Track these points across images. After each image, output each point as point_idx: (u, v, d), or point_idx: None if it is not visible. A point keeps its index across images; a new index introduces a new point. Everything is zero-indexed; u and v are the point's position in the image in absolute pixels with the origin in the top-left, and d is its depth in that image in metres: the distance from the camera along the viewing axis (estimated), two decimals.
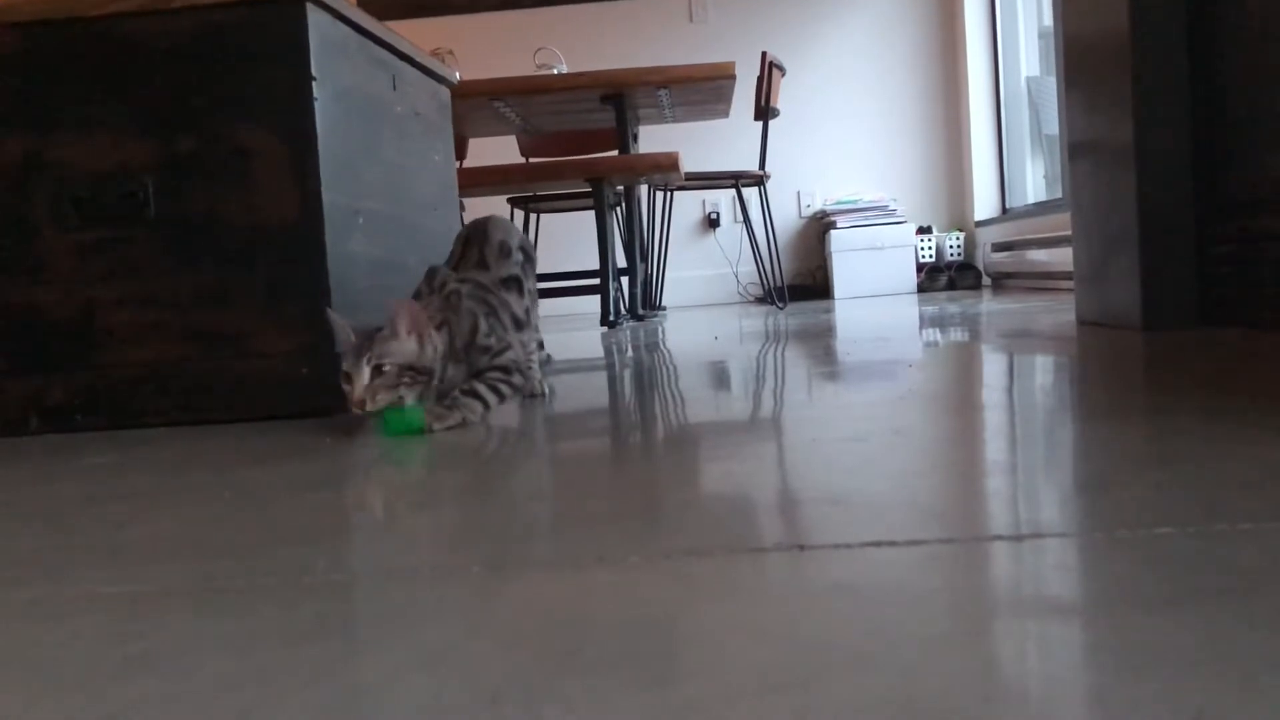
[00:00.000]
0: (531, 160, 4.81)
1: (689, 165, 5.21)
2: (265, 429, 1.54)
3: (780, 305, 4.69)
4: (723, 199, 5.83)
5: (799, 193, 5.86)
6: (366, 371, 1.32)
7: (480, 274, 1.55)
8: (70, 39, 1.65)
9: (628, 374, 2.06)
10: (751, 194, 5.37)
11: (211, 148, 1.64)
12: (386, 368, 1.33)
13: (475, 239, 1.59)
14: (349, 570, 0.72)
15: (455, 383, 1.44)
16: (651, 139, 5.41)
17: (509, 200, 4.63)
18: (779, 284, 4.76)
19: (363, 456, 1.25)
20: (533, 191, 4.27)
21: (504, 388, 1.45)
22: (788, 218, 5.84)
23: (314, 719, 0.46)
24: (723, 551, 0.69)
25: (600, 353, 2.69)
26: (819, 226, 5.72)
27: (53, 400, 1.66)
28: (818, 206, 5.80)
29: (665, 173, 3.72)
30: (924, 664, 0.47)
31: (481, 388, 1.43)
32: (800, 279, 5.80)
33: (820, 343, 2.46)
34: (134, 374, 1.65)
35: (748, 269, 5.76)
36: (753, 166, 5.49)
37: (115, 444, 1.49)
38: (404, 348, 1.35)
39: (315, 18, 1.64)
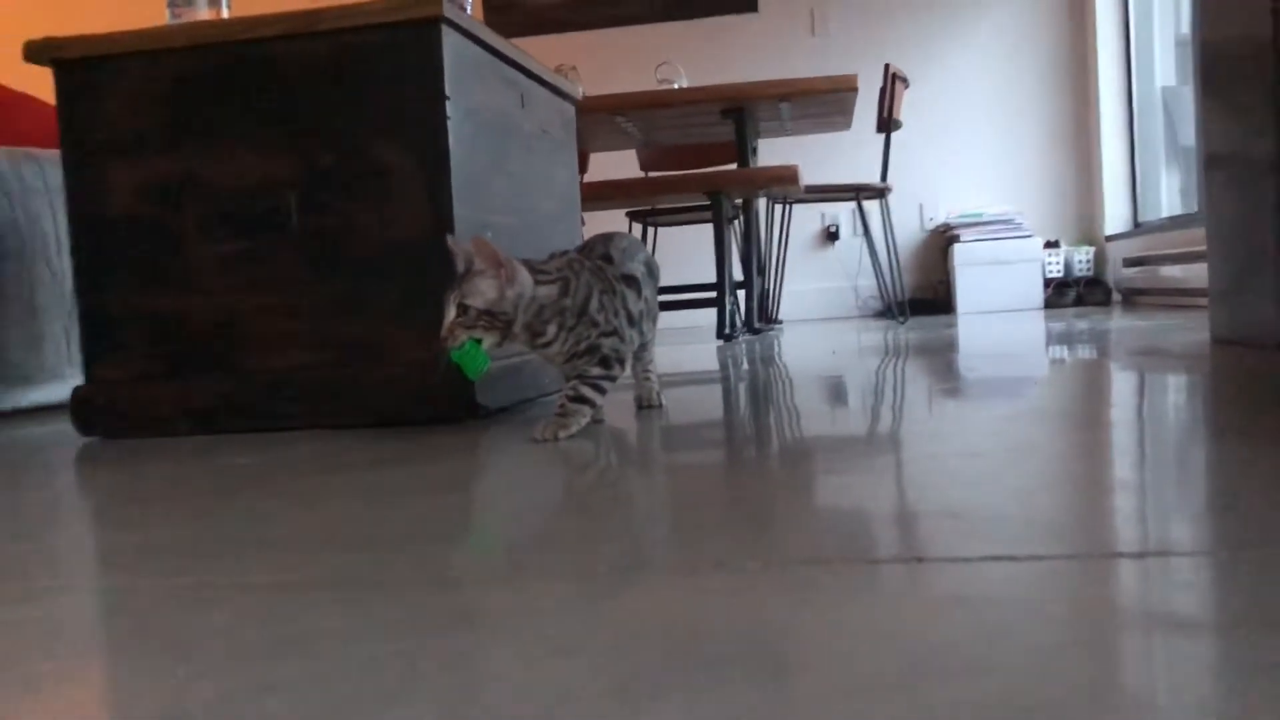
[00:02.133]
0: (651, 174, 4.87)
1: (808, 177, 5.20)
2: (396, 434, 1.60)
3: (901, 320, 4.63)
4: (842, 212, 5.79)
5: (921, 205, 5.78)
6: (452, 309, 1.36)
7: (603, 263, 1.56)
8: (219, 63, 1.75)
9: (743, 387, 2.08)
10: (872, 207, 5.33)
11: (350, 164, 1.72)
12: (469, 309, 1.36)
13: (600, 240, 1.61)
14: (481, 567, 0.76)
15: (560, 355, 1.46)
16: (770, 151, 5.41)
17: (628, 214, 4.69)
18: (900, 298, 4.71)
19: (489, 461, 1.30)
20: (652, 205, 4.32)
21: (605, 384, 1.48)
22: (910, 231, 5.76)
23: (451, 701, 0.49)
24: (840, 561, 0.70)
25: (715, 366, 2.71)
26: (942, 240, 5.63)
27: (199, 403, 1.76)
28: (941, 220, 5.71)
29: (785, 186, 3.72)
30: (1041, 673, 0.48)
31: (586, 390, 1.45)
32: (922, 293, 5.72)
33: (941, 358, 2.43)
34: (273, 379, 1.74)
35: (867, 283, 5.71)
36: (874, 179, 5.44)
37: (255, 445, 1.57)
38: (486, 289, 1.37)
39: (449, 39, 1.71)
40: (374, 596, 0.69)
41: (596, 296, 1.47)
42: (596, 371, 1.46)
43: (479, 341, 1.37)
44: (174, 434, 1.76)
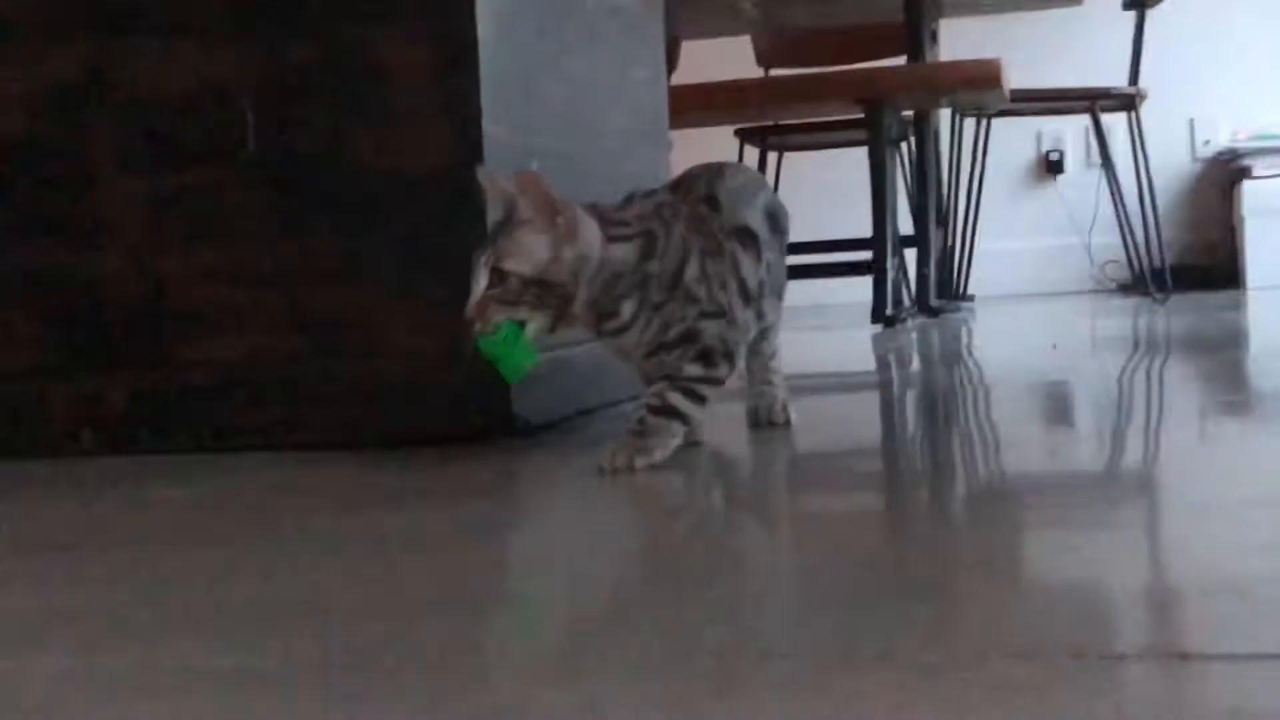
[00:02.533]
0: (775, 73, 4.86)
1: (1017, 79, 5.14)
2: (396, 459, 1.64)
3: (1159, 297, 4.57)
4: (1069, 131, 5.72)
5: (1193, 121, 5.69)
6: (484, 276, 1.34)
7: (706, 210, 1.53)
8: None
9: (912, 398, 2.08)
10: (1117, 123, 5.24)
11: (333, 61, 1.75)
12: (508, 276, 1.34)
13: (702, 175, 1.59)
14: (526, 655, 0.78)
15: (641, 346, 1.45)
16: (958, 39, 5.36)
17: (738, 133, 4.68)
18: (1157, 264, 4.64)
19: (533, 502, 1.32)
20: (775, 120, 4.32)
21: (705, 389, 1.45)
22: (1174, 161, 5.67)
23: None
24: (1062, 655, 0.71)
25: (870, 365, 2.71)
26: (1224, 174, 5.53)
27: (112, 409, 1.81)
28: (1223, 144, 5.61)
29: (980, 91, 3.69)
30: None
31: (677, 398, 1.43)
32: (1191, 257, 5.62)
33: (1222, 357, 2.40)
34: (218, 376, 1.78)
35: (1106, 240, 5.63)
36: (1119, 80, 5.36)
37: (195, 472, 1.61)
38: (535, 248, 1.36)
39: None
40: (374, 688, 0.72)
41: (696, 260, 1.44)
42: (694, 371, 1.43)
43: (521, 325, 1.35)
44: (73, 454, 1.81)
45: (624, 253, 1.41)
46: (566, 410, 1.87)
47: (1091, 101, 4.26)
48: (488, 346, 1.34)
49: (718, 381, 1.46)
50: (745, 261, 1.50)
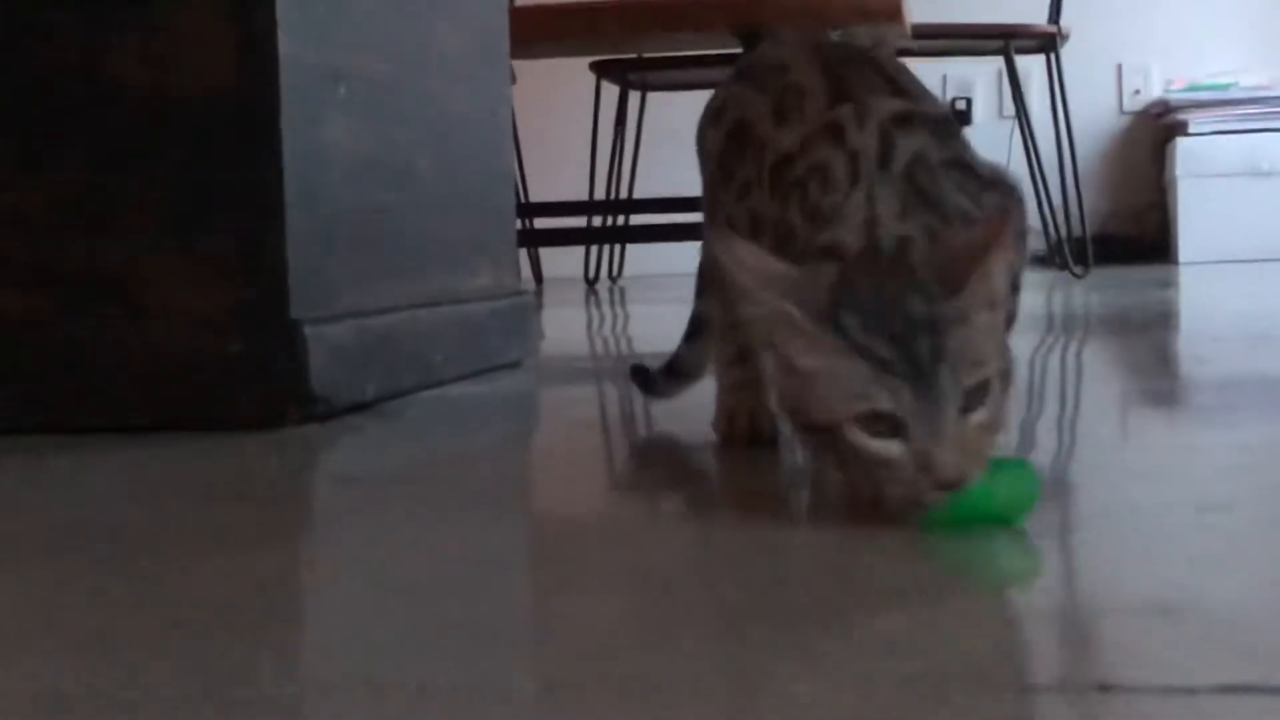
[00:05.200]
0: None
1: (921, 13, 5.20)
2: (164, 446, 1.60)
3: (1078, 271, 4.65)
4: (979, 76, 5.80)
5: (1120, 68, 5.81)
6: (953, 407, 1.00)
7: (926, 106, 1.28)
8: None
9: None
10: (1034, 67, 5.32)
11: None
12: (990, 389, 1.03)
13: (853, 60, 1.33)
14: (303, 680, 0.76)
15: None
16: None
17: (593, 66, 4.68)
18: (1077, 234, 4.72)
19: (316, 508, 1.29)
20: (638, 53, 4.32)
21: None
22: (1098, 113, 5.78)
23: None
24: (966, 688, 0.70)
25: None
26: (1155, 130, 5.65)
27: None
28: (1154, 94, 5.73)
29: (877, 23, 3.72)
30: None
31: None
32: (1115, 226, 5.74)
33: (1148, 341, 2.44)
34: None
35: (1020, 204, 5.73)
36: (1038, 17, 5.44)
37: None
38: (990, 327, 1.05)
39: None
40: None
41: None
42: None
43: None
44: None
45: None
46: (380, 389, 1.85)
47: (1005, 40, 4.32)
48: (982, 501, 1.01)
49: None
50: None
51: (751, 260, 1.04)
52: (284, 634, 0.88)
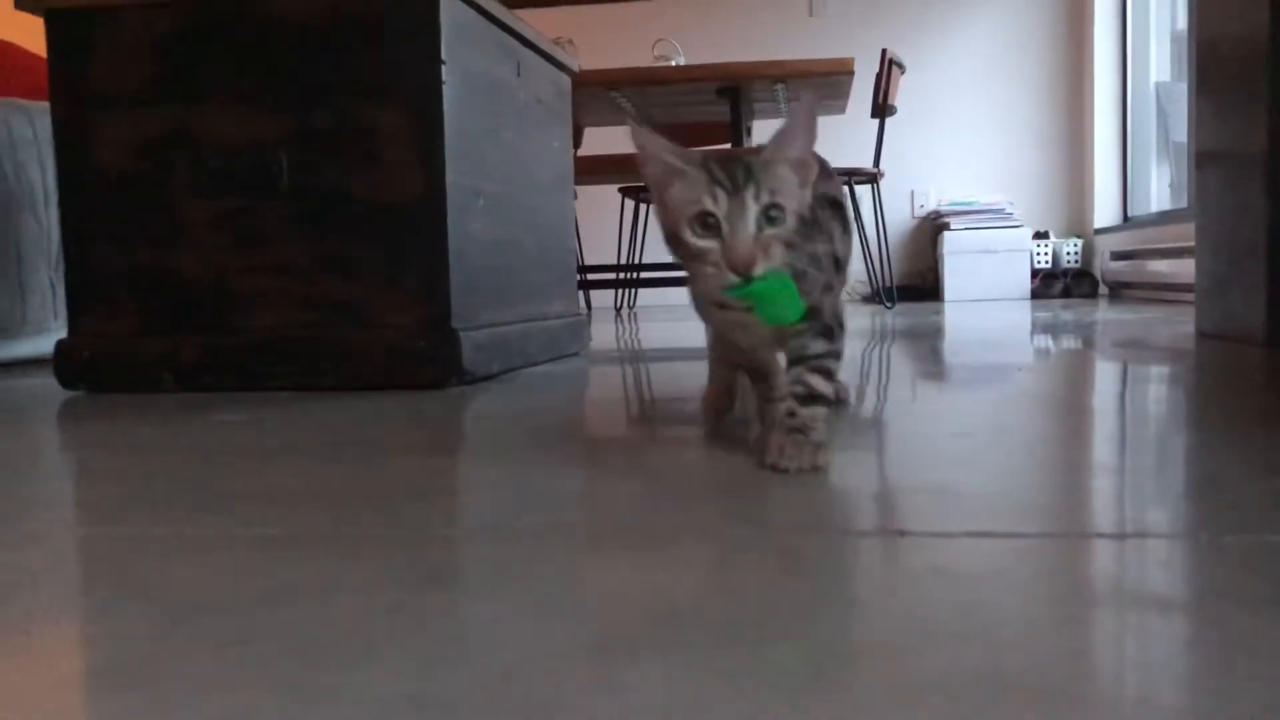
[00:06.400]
0: None
1: None
2: (381, 398, 1.60)
3: (889, 305, 4.64)
4: None
5: (913, 192, 5.78)
6: (753, 213, 0.89)
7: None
8: (216, 18, 1.73)
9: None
10: (864, 192, 5.32)
11: (343, 124, 1.70)
12: (787, 214, 0.90)
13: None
14: (462, 525, 0.76)
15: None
16: (765, 133, 5.39)
17: (621, 190, 4.67)
18: (888, 284, 4.71)
19: (474, 414, 1.29)
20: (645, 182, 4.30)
21: (833, 364, 1.00)
22: (900, 217, 5.77)
23: (435, 653, 0.49)
24: (826, 531, 0.71)
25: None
26: (932, 227, 5.63)
27: (184, 360, 1.75)
28: (932, 207, 5.72)
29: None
30: (1016, 643, 0.48)
31: (817, 381, 0.97)
32: (910, 280, 5.73)
33: (927, 343, 2.44)
34: (259, 338, 1.73)
35: (856, 267, 5.71)
36: (866, 164, 5.44)
37: (242, 404, 1.56)
38: (792, 184, 0.92)
39: (447, 2, 1.69)
40: (360, 551, 0.69)
41: (800, 227, 0.96)
42: (820, 347, 0.99)
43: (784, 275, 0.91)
44: (158, 390, 1.75)
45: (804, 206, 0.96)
46: (500, 367, 1.85)
47: (849, 177, 4.30)
48: (763, 290, 0.89)
49: (840, 355, 1.03)
50: (835, 229, 1.09)
51: (653, 139, 0.92)
52: (444, 499, 0.88)
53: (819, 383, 0.97)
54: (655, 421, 1.34)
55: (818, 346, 0.98)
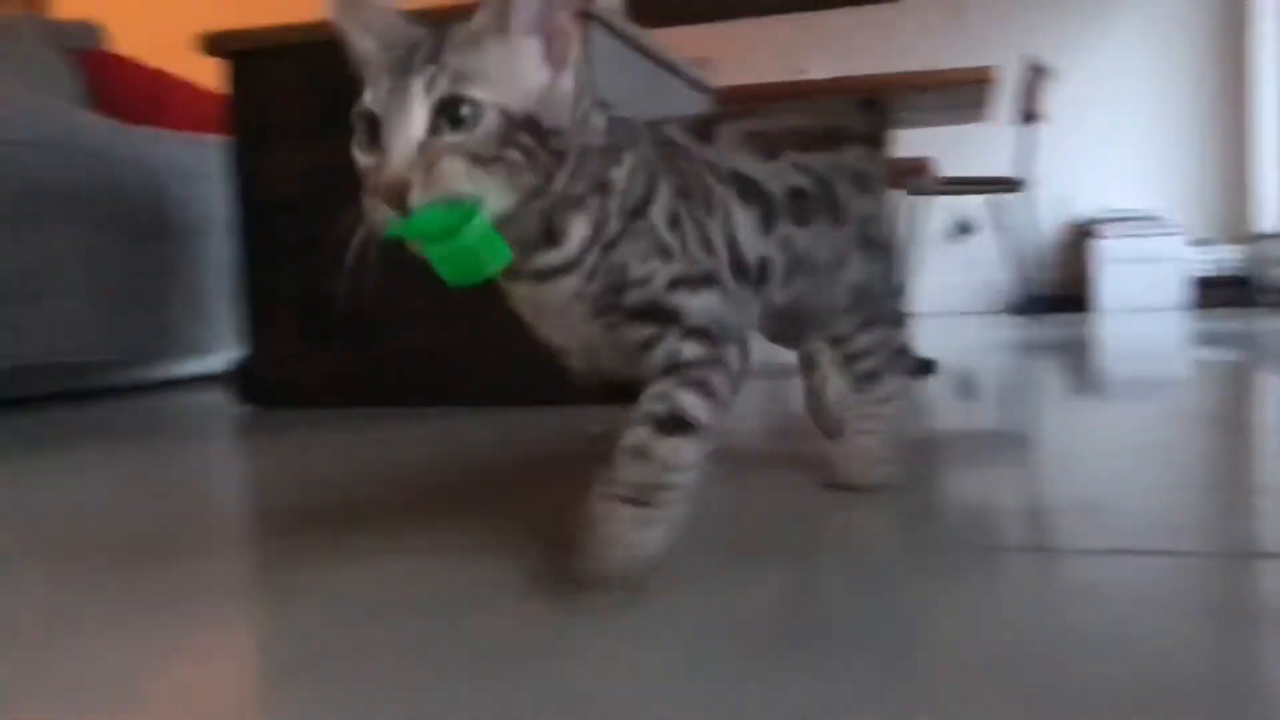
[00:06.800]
0: None
1: (941, 169, 5.10)
2: (507, 412, 1.63)
3: (1037, 317, 4.51)
4: (977, 205, 5.66)
5: (1062, 200, 5.61)
6: (419, 111, 0.61)
7: (692, 141, 0.77)
8: None
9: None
10: (1009, 201, 5.19)
11: None
12: (482, 111, 0.60)
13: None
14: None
15: (584, 307, 0.71)
16: (908, 145, 5.32)
17: None
18: (1033, 293, 4.59)
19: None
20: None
21: (718, 378, 0.68)
22: (1048, 226, 5.60)
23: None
24: (971, 547, 0.72)
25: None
26: (1083, 236, 5.46)
27: (348, 377, 1.84)
28: (1082, 215, 5.54)
29: (916, 178, 3.66)
30: (1163, 656, 0.49)
31: (687, 398, 0.67)
32: (1059, 290, 5.55)
33: (1079, 357, 2.38)
34: (417, 356, 1.80)
35: (1003, 277, 5.58)
36: (1007, 171, 5.31)
37: (404, 417, 1.64)
38: (517, 69, 0.62)
39: (595, 34, 1.75)
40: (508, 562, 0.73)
41: (667, 194, 0.70)
42: (695, 351, 0.68)
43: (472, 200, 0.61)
44: (324, 405, 1.85)
45: (601, 122, 0.69)
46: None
47: (993, 186, 4.21)
48: (428, 228, 0.61)
49: (729, 369, 0.69)
50: (743, 221, 0.76)
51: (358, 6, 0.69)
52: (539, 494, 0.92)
53: (689, 400, 0.66)
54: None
55: (692, 351, 0.67)
